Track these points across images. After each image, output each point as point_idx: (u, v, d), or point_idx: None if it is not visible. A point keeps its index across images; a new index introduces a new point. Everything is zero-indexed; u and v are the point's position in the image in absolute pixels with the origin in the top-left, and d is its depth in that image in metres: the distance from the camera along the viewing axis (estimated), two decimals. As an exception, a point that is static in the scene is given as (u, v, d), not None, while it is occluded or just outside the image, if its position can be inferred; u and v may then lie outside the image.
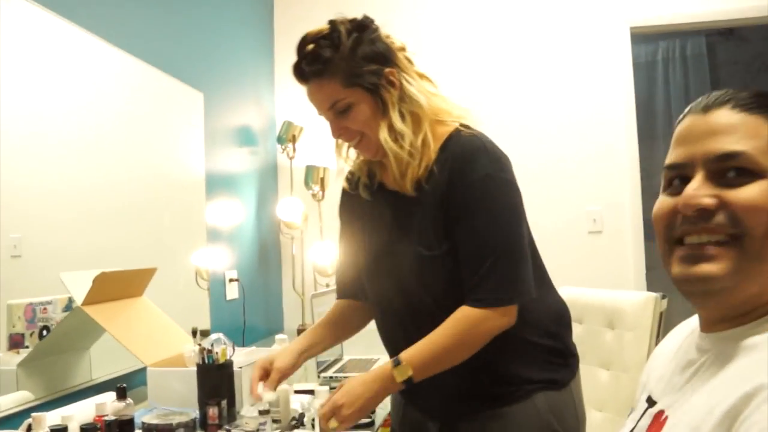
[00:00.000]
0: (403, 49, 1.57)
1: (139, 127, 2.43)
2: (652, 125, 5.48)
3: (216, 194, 3.09)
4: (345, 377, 2.24)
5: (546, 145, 3.80)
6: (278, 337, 2.06)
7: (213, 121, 3.08)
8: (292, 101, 3.98)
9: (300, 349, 1.63)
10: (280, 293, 3.92)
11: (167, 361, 1.90)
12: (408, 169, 1.49)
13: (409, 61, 1.57)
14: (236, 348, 1.85)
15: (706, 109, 0.87)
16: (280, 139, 3.79)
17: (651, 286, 3.43)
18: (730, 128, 0.84)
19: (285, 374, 1.59)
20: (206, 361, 1.69)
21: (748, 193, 0.81)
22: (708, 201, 0.82)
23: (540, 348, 1.54)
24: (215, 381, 1.69)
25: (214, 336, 1.80)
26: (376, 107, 1.49)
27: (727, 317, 0.87)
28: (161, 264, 2.26)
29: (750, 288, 0.82)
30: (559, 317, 1.62)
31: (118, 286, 2.00)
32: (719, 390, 0.78)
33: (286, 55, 4.34)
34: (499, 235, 1.44)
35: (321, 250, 3.72)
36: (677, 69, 5.75)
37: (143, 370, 1.88)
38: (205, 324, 2.82)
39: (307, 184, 3.76)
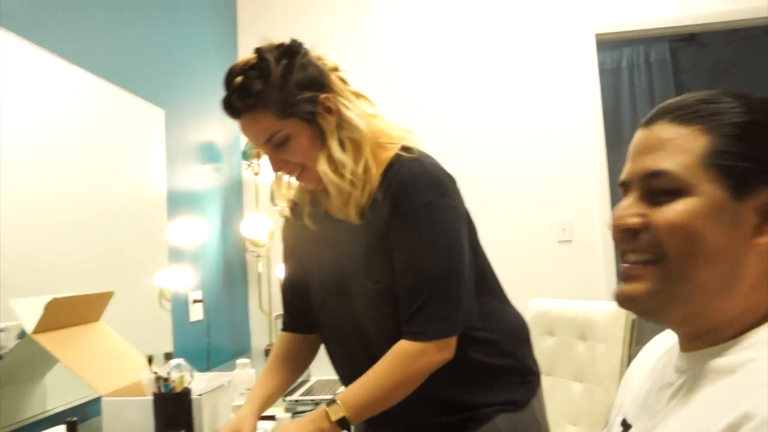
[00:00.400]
0: (336, 69, 1.51)
1: (97, 145, 2.35)
2: (619, 132, 5.52)
3: (178, 212, 3.01)
4: (311, 400, 2.17)
5: (514, 153, 3.77)
6: (239, 361, 1.99)
7: (175, 138, 3.00)
8: (256, 116, 3.92)
9: (259, 408, 1.54)
10: (247, 313, 3.84)
11: (124, 390, 1.82)
12: (350, 199, 1.43)
13: (344, 81, 1.50)
14: (196, 374, 1.78)
15: (648, 123, 0.86)
16: (245, 155, 3.73)
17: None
18: (663, 144, 0.82)
19: None
20: (162, 389, 1.62)
21: (669, 213, 0.80)
22: (632, 221, 0.82)
23: (496, 369, 1.49)
24: (172, 411, 1.62)
25: (174, 362, 1.73)
26: (315, 137, 1.43)
27: (696, 336, 0.83)
28: (121, 286, 2.18)
29: (681, 308, 0.81)
30: (516, 335, 1.57)
31: (72, 311, 1.92)
32: (699, 417, 0.74)
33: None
34: (437, 266, 1.39)
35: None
36: (642, 75, 5.81)
37: (100, 399, 1.80)
38: (168, 347, 2.74)
39: (272, 200, 3.69)
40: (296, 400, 2.20)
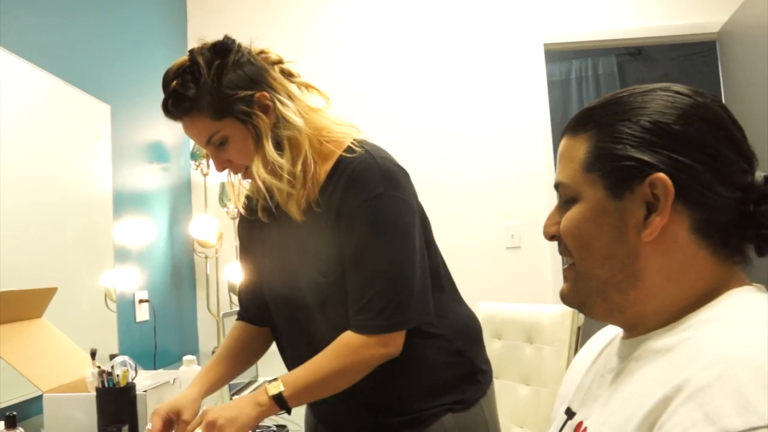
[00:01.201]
0: (279, 62, 1.49)
1: (40, 139, 2.30)
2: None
3: (125, 212, 2.95)
4: (259, 399, 2.15)
5: (464, 161, 3.81)
6: (186, 358, 1.96)
7: (121, 136, 2.95)
8: (207, 116, 3.88)
9: (202, 392, 1.53)
10: (195, 314, 3.79)
11: (66, 387, 1.78)
12: (290, 198, 1.42)
13: (289, 74, 1.50)
14: (142, 371, 1.75)
15: (561, 136, 0.93)
16: (194, 156, 3.69)
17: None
18: (561, 157, 0.90)
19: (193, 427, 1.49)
20: (106, 384, 1.58)
21: (564, 220, 0.87)
22: (551, 229, 0.91)
23: (444, 368, 1.48)
24: (116, 406, 1.58)
25: (118, 358, 1.70)
26: (251, 137, 1.41)
27: (633, 328, 0.87)
28: (65, 285, 2.14)
29: (599, 304, 0.87)
30: (467, 333, 1.55)
31: (14, 306, 1.87)
32: (636, 396, 0.77)
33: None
34: (387, 259, 1.38)
35: (236, 270, 3.61)
36: (590, 87, 5.94)
37: (41, 397, 1.75)
38: (113, 348, 2.68)
39: (221, 201, 3.66)
40: (243, 400, 2.17)
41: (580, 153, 0.85)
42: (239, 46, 1.45)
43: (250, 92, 1.41)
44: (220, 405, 1.38)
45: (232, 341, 1.66)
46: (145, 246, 3.17)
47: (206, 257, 3.70)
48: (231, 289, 3.62)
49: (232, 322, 2.37)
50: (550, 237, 0.91)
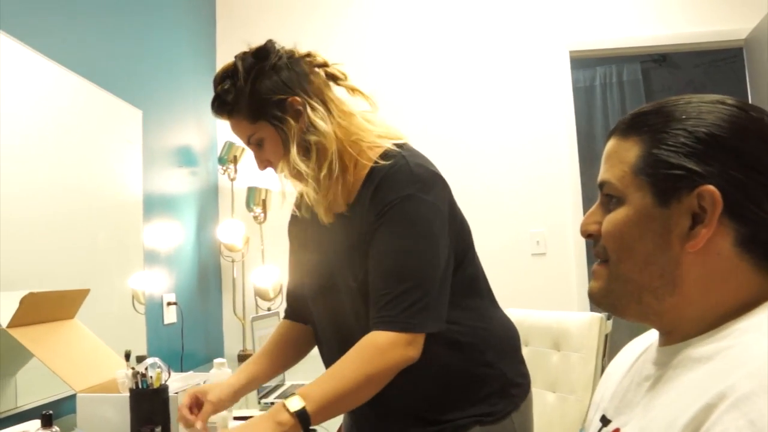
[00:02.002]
0: (325, 65, 1.53)
1: (73, 143, 2.33)
2: (592, 148, 5.59)
3: (154, 215, 2.99)
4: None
5: (490, 168, 3.81)
6: (217, 361, 1.98)
7: (152, 140, 2.99)
8: (234, 121, 3.91)
9: (238, 385, 1.56)
10: (221, 317, 3.82)
11: (99, 387, 1.81)
12: (316, 203, 1.45)
13: (334, 77, 1.53)
14: (173, 372, 1.76)
15: (608, 137, 0.93)
16: (222, 160, 3.72)
17: (594, 308, 3.46)
18: (609, 156, 0.90)
19: (217, 409, 1.51)
20: (140, 385, 1.60)
21: (607, 222, 0.88)
22: (591, 228, 0.90)
23: (474, 380, 1.46)
24: (149, 407, 1.60)
25: (149, 360, 1.71)
26: (281, 141, 1.46)
27: (669, 333, 0.87)
28: (96, 286, 2.16)
29: (633, 306, 0.87)
30: (500, 344, 1.52)
31: (48, 307, 1.90)
32: (677, 403, 0.77)
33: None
34: (412, 260, 1.37)
35: (262, 274, 3.64)
36: (614, 94, 5.91)
37: (73, 396, 1.78)
38: (141, 349, 2.72)
39: (248, 206, 3.69)
40: (271, 403, 2.19)
41: (631, 156, 0.85)
42: (279, 50, 1.49)
43: (283, 96, 1.44)
44: (236, 426, 1.35)
45: (276, 338, 1.68)
46: (173, 249, 3.21)
47: (233, 261, 3.73)
48: (257, 293, 3.64)
49: (260, 326, 2.39)
50: (588, 235, 0.91)
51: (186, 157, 3.49)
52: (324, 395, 1.30)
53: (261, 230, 3.72)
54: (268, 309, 3.55)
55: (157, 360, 1.72)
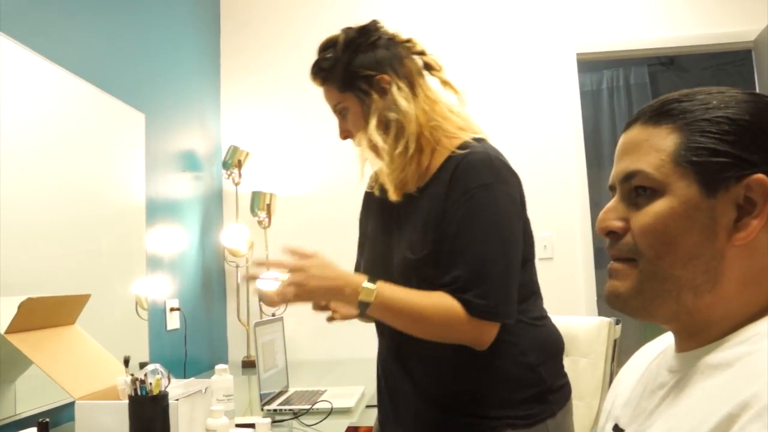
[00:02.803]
0: (423, 53, 1.62)
1: (74, 147, 2.31)
2: (599, 152, 5.57)
3: (157, 220, 2.96)
4: (290, 409, 2.13)
5: (496, 171, 3.77)
6: (218, 367, 1.95)
7: (155, 144, 2.97)
8: (239, 126, 3.90)
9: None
10: (225, 323, 3.79)
11: (98, 394, 1.77)
12: (387, 178, 1.52)
13: (429, 66, 1.62)
14: (174, 379, 1.73)
15: (627, 126, 0.87)
16: (226, 165, 3.70)
17: (602, 313, 3.42)
18: (637, 145, 0.83)
19: None
20: (139, 392, 1.57)
21: (644, 217, 0.81)
22: (615, 224, 0.84)
23: (513, 382, 1.47)
24: (148, 414, 1.57)
25: (150, 366, 1.68)
26: (363, 114, 1.56)
27: (690, 334, 0.82)
28: (97, 292, 2.13)
29: (669, 306, 0.80)
30: (544, 346, 1.54)
31: (47, 313, 1.87)
32: (696, 412, 0.73)
33: (232, 79, 4.29)
34: (494, 248, 1.42)
35: (268, 278, 3.60)
36: (621, 97, 5.88)
37: (72, 404, 1.75)
38: (143, 356, 2.68)
39: (253, 210, 3.66)
40: (274, 410, 2.16)
41: (669, 143, 0.80)
42: (381, 30, 1.62)
43: (372, 73, 1.55)
44: (319, 260, 1.45)
45: None
46: (176, 254, 3.18)
47: (237, 266, 3.70)
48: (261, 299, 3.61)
49: (264, 332, 2.36)
50: (608, 232, 0.85)
51: (190, 162, 3.46)
52: (391, 302, 1.42)
53: (265, 235, 3.69)
54: (273, 314, 3.51)
55: (158, 366, 1.69)
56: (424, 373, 1.51)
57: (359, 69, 1.55)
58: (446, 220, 1.45)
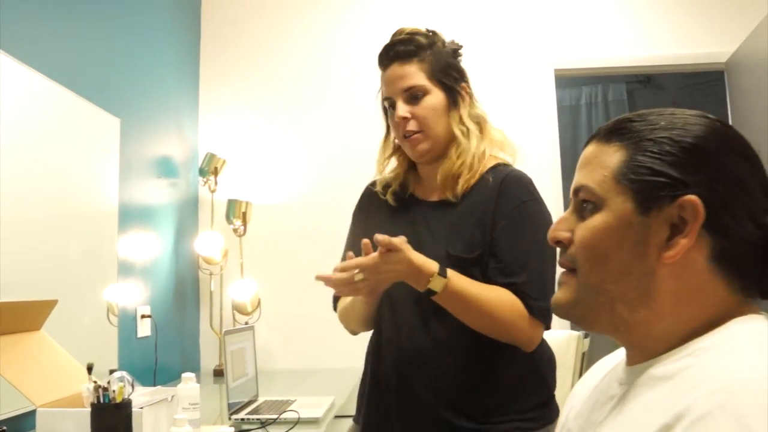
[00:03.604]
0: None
1: (46, 151, 2.29)
2: (576, 166, 5.60)
3: (130, 226, 2.94)
4: (258, 419, 2.12)
5: (472, 183, 3.79)
6: (185, 375, 1.93)
7: (130, 150, 2.95)
8: (216, 133, 3.89)
9: None
10: (197, 331, 3.76)
11: (61, 402, 1.75)
12: (463, 172, 1.58)
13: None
14: (140, 388, 1.72)
15: (586, 142, 0.91)
16: (202, 172, 3.68)
17: (574, 327, 3.44)
18: (589, 161, 0.87)
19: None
20: (102, 399, 1.56)
21: (584, 228, 0.85)
22: (562, 235, 0.88)
23: (526, 385, 1.55)
24: (111, 422, 1.55)
25: (116, 374, 1.67)
26: (447, 104, 1.61)
27: (639, 348, 0.85)
28: (66, 297, 2.11)
29: (604, 317, 0.84)
30: (549, 357, 1.63)
31: (13, 318, 1.84)
32: (636, 423, 0.76)
33: (211, 86, 4.29)
34: (546, 256, 1.51)
35: (241, 287, 3.59)
36: (599, 113, 5.94)
37: (34, 412, 1.73)
38: (112, 363, 2.66)
39: (228, 218, 3.65)
40: (242, 419, 2.15)
41: (613, 161, 0.83)
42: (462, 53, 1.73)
43: (459, 78, 1.66)
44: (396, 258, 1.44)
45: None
46: (149, 261, 3.16)
47: (211, 274, 3.68)
48: (235, 307, 3.60)
49: (234, 341, 2.35)
50: (556, 242, 0.89)
51: (165, 168, 3.44)
52: (461, 293, 1.46)
53: (240, 243, 3.68)
54: (246, 323, 3.50)
55: (124, 373, 1.67)
56: (438, 380, 1.55)
57: (453, 69, 1.64)
58: (500, 226, 1.54)
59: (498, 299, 1.48)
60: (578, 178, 0.87)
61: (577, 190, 0.87)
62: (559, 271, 0.91)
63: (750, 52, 3.48)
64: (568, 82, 5.54)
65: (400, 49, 1.61)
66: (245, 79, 3.93)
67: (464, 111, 1.62)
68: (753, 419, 0.63)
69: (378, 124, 1.72)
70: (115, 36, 2.90)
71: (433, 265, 1.45)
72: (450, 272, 1.46)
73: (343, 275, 1.44)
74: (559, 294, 0.89)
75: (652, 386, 0.77)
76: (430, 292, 1.44)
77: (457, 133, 1.60)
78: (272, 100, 3.90)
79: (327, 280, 1.47)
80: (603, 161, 0.85)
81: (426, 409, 1.54)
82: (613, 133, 0.86)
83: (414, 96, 1.60)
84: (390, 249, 1.41)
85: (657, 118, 0.84)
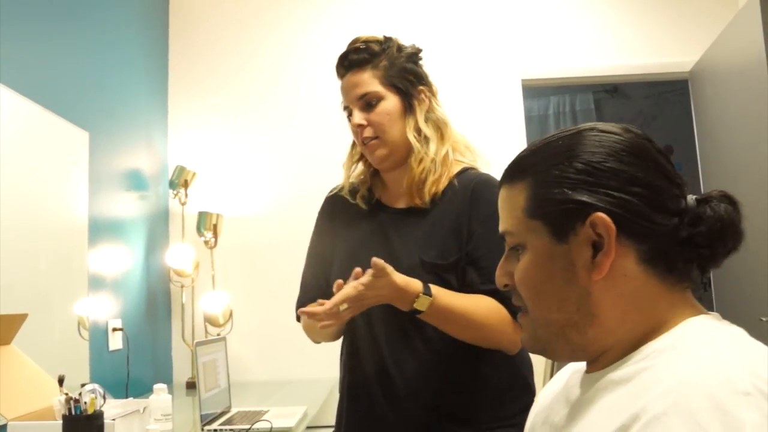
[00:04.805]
0: (435, 94, 1.71)
1: (14, 164, 2.27)
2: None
3: (100, 240, 2.93)
4: (231, 430, 2.13)
5: (442, 193, 3.82)
6: (156, 386, 1.94)
7: (99, 163, 2.94)
8: (186, 145, 3.88)
9: None
10: (169, 344, 3.74)
11: (33, 415, 1.75)
12: (427, 179, 1.58)
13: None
14: (112, 400, 1.72)
15: (498, 187, 0.95)
16: (172, 184, 3.67)
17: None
18: (503, 206, 0.92)
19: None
20: (73, 411, 1.56)
21: (517, 271, 0.88)
22: (502, 280, 0.92)
23: (514, 389, 1.57)
24: (83, 434, 1.56)
25: (88, 386, 1.67)
26: (403, 108, 1.61)
27: (592, 360, 0.88)
28: (36, 311, 2.10)
29: (561, 347, 0.87)
30: (528, 360, 1.64)
31: (-19, 333, 1.84)
32: (595, 425, 0.79)
33: (180, 98, 4.27)
34: None
35: (212, 299, 3.59)
36: (568, 122, 6.02)
37: (5, 426, 1.72)
38: (84, 377, 2.64)
39: (199, 230, 3.64)
40: (215, 430, 2.15)
41: (521, 200, 0.87)
42: (421, 57, 1.71)
43: (416, 81, 1.64)
44: (378, 286, 1.42)
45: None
46: (120, 274, 3.15)
47: (182, 286, 3.67)
48: (206, 319, 3.59)
49: (205, 352, 2.35)
50: (504, 286, 0.93)
51: (135, 181, 3.44)
52: (445, 308, 1.45)
53: (212, 255, 3.68)
54: (218, 335, 3.49)
55: (96, 386, 1.67)
56: (420, 389, 1.54)
57: (408, 73, 1.63)
58: (477, 233, 1.54)
59: (484, 309, 1.48)
60: (500, 224, 0.92)
61: (502, 235, 0.91)
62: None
63: (713, 60, 3.56)
64: (535, 92, 5.60)
65: (354, 57, 1.63)
66: (214, 92, 3.93)
67: (420, 116, 1.61)
68: (705, 417, 0.66)
69: (348, 136, 1.73)
70: (82, 49, 2.90)
71: (416, 285, 1.43)
72: (434, 289, 1.45)
73: (328, 308, 1.40)
74: (523, 335, 0.93)
75: (611, 390, 0.80)
76: (416, 311, 1.44)
77: (411, 139, 1.59)
78: (241, 113, 3.91)
79: (312, 315, 1.43)
80: (512, 203, 0.89)
81: (409, 417, 1.54)
82: (514, 173, 0.90)
83: (368, 103, 1.60)
84: (378, 274, 1.39)
85: (544, 147, 0.88)
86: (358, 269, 1.44)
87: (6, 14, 2.31)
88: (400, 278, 1.42)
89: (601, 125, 0.87)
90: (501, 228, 0.91)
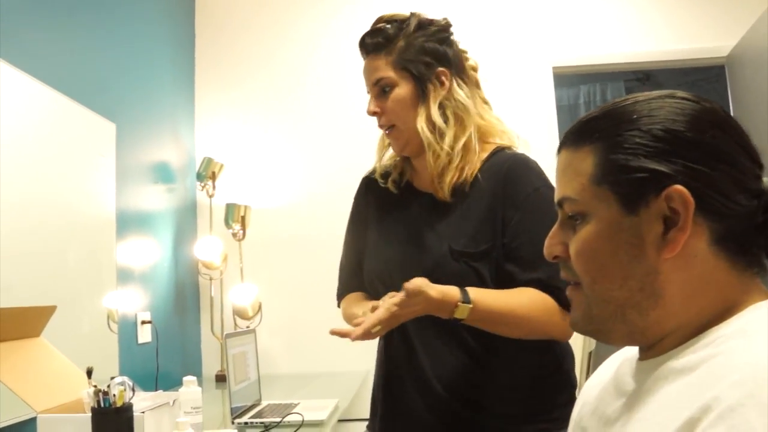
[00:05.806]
0: (474, 69, 1.64)
1: (42, 157, 2.27)
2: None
3: (128, 232, 2.92)
4: (261, 422, 2.10)
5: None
6: (186, 378, 1.91)
7: (126, 155, 2.92)
8: (213, 137, 3.86)
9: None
10: (198, 336, 3.73)
11: (62, 407, 1.73)
12: (445, 172, 1.50)
13: (477, 84, 1.63)
14: (142, 393, 1.70)
15: (558, 150, 0.87)
16: (200, 176, 3.65)
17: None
18: (563, 171, 0.84)
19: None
20: (102, 404, 1.53)
21: (576, 241, 0.81)
22: (555, 249, 0.85)
23: (554, 384, 1.52)
24: (112, 426, 1.53)
25: (117, 379, 1.64)
26: (416, 96, 1.53)
27: (649, 346, 0.82)
28: (66, 305, 2.08)
29: (618, 327, 0.80)
30: (570, 352, 1.58)
31: (10, 324, 1.82)
32: (658, 417, 0.73)
33: (207, 90, 4.26)
34: None
35: (241, 292, 3.57)
36: (598, 112, 5.92)
37: (35, 418, 1.70)
38: (113, 370, 2.63)
39: (227, 223, 3.62)
40: (245, 423, 2.12)
41: (587, 166, 0.80)
42: (451, 31, 1.62)
43: (434, 63, 1.54)
44: (414, 304, 1.36)
45: (361, 295, 1.67)
46: (148, 267, 3.14)
47: (211, 279, 3.66)
48: (235, 312, 3.57)
49: (235, 344, 2.33)
50: (553, 257, 0.86)
51: (162, 173, 3.42)
52: (487, 312, 1.38)
53: (240, 247, 3.66)
54: (247, 327, 3.47)
55: (125, 378, 1.65)
56: (458, 382, 1.50)
57: (425, 54, 1.54)
58: (515, 220, 1.47)
59: (527, 301, 1.42)
60: (558, 190, 0.85)
61: (560, 203, 0.84)
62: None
63: (751, 45, 3.46)
64: (566, 81, 5.52)
65: (369, 41, 1.58)
66: (241, 83, 3.91)
67: (434, 104, 1.52)
68: None
69: (373, 128, 1.68)
70: (109, 41, 2.88)
71: (454, 294, 1.36)
72: (473, 295, 1.37)
73: (359, 333, 1.35)
74: (573, 314, 0.86)
75: (671, 379, 0.74)
76: (457, 320, 1.38)
77: (421, 132, 1.51)
78: (269, 104, 3.88)
79: (344, 336, 1.39)
80: (577, 168, 0.81)
81: (447, 411, 1.50)
82: (580, 136, 0.83)
83: (383, 89, 1.56)
84: (411, 295, 1.34)
85: (620, 110, 0.81)
86: (391, 295, 1.39)
87: (33, 6, 2.30)
88: (436, 292, 1.35)
89: (680, 93, 0.80)
90: (559, 194, 0.84)
